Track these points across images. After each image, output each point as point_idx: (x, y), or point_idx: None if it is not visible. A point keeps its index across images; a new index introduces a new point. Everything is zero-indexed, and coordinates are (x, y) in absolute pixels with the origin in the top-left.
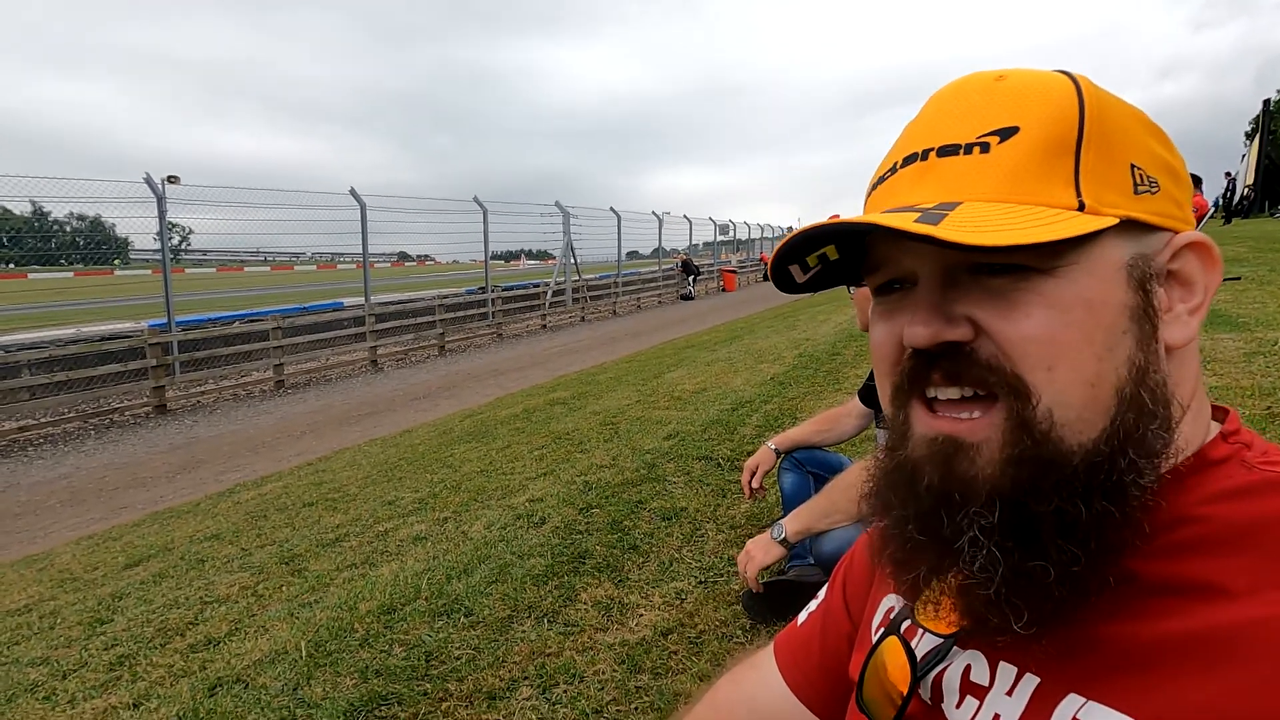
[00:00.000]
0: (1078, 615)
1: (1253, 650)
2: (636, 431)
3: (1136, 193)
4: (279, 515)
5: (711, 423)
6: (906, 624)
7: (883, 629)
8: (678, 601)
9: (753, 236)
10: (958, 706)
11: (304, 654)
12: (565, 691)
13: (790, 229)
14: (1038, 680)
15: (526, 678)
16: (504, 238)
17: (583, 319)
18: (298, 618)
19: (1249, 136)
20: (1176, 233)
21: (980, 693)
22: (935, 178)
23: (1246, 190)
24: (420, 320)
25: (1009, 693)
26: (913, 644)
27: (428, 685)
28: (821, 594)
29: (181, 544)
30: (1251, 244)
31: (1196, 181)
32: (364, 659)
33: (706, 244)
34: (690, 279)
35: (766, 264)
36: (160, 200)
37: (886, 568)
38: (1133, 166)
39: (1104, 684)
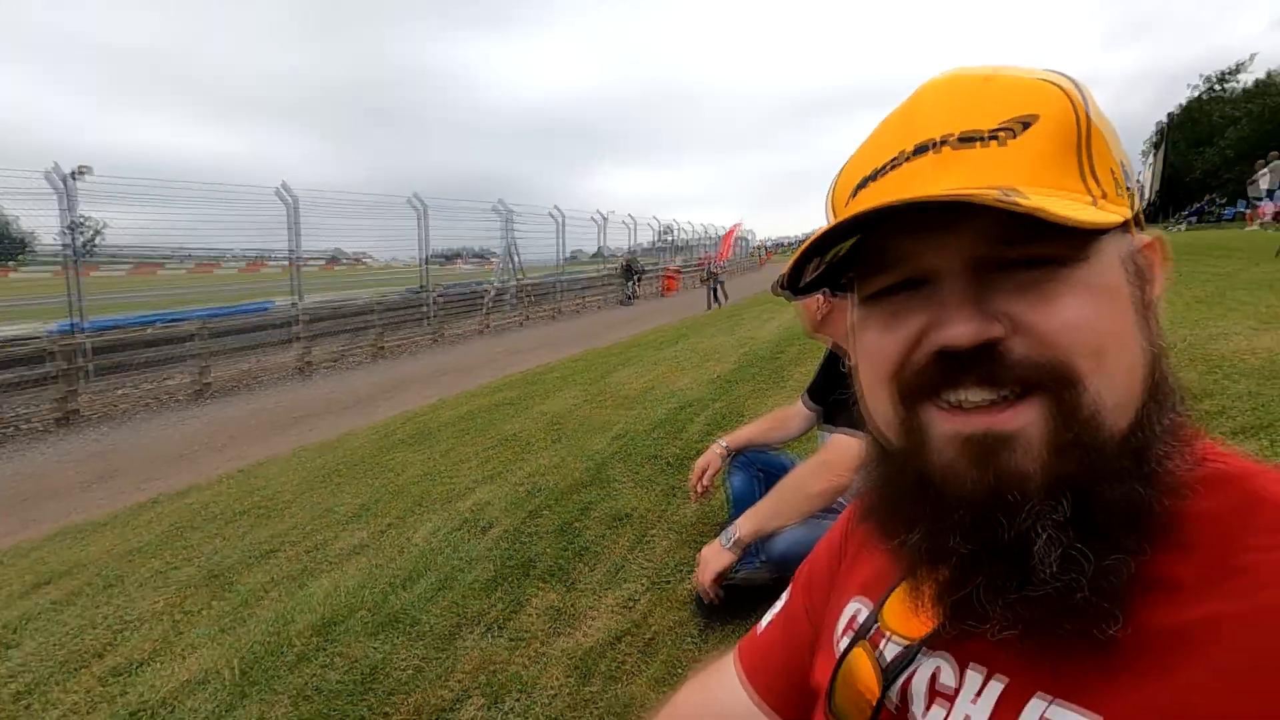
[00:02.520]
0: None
1: (1204, 649)
2: (583, 432)
3: (1119, 193)
4: (205, 527)
5: (659, 423)
6: (874, 628)
7: (849, 635)
8: (629, 606)
9: (694, 239)
10: (926, 712)
11: (235, 675)
12: (516, 703)
13: (727, 229)
14: (1005, 682)
15: (476, 689)
16: (443, 238)
17: (525, 320)
18: (226, 637)
19: (1143, 155)
20: (1137, 232)
21: (948, 697)
22: (961, 165)
23: (1149, 201)
24: (355, 322)
25: (976, 696)
26: (880, 648)
27: (370, 702)
28: (782, 598)
29: (96, 560)
30: None
31: None
32: (300, 679)
33: (649, 246)
34: (633, 280)
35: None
36: (66, 194)
37: (925, 590)
38: (1112, 170)
39: (1069, 683)
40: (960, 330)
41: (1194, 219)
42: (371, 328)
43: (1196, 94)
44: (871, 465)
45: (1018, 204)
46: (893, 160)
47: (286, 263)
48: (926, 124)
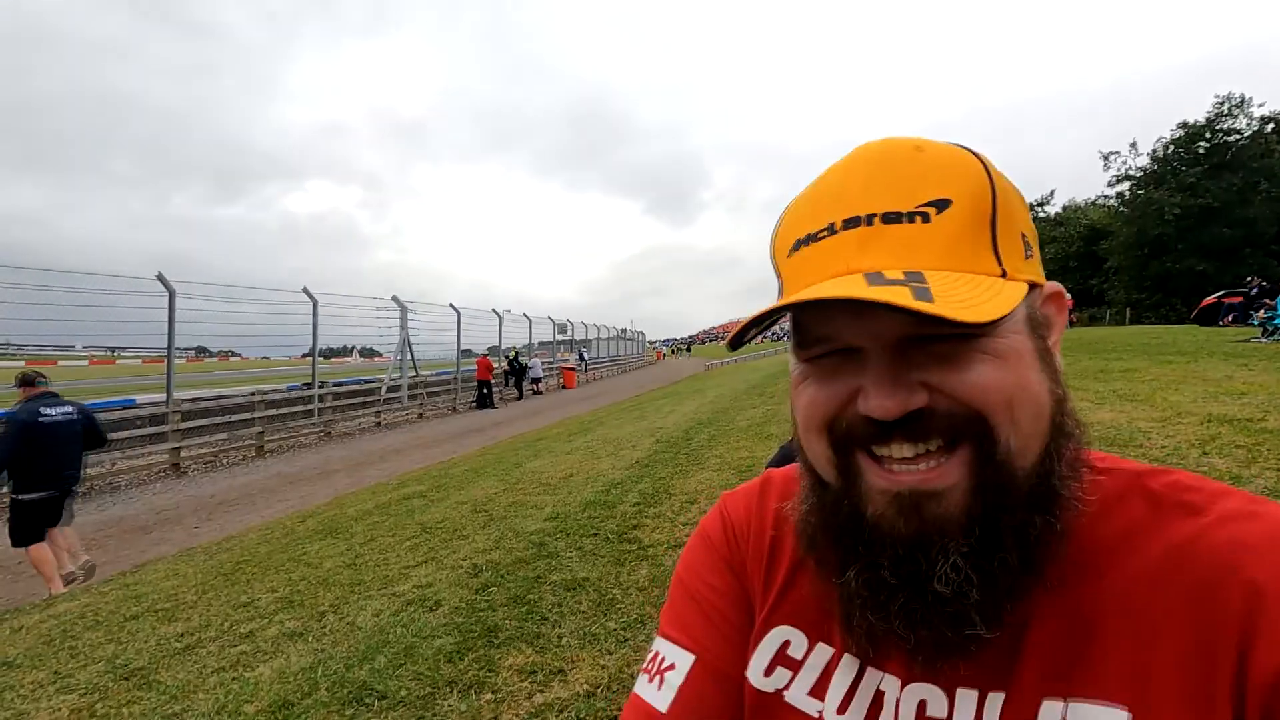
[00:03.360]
0: (1020, 621)
1: (1128, 616)
2: (514, 516)
3: (1026, 258)
4: (93, 633)
5: (589, 503)
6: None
7: (783, 667)
8: (604, 658)
9: (589, 336)
10: None
11: None
12: None
13: (624, 330)
14: (1003, 695)
15: None
16: (334, 333)
17: (420, 416)
18: None
19: None
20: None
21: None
22: (885, 244)
23: None
24: (235, 419)
25: (977, 716)
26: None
27: None
28: (669, 656)
29: None
30: None
31: None
32: None
33: (543, 343)
34: (524, 378)
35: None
36: None
37: (853, 618)
38: (1022, 235)
39: (1066, 681)
40: (886, 405)
41: None
42: (254, 424)
43: None
44: (807, 492)
45: (923, 310)
46: (826, 228)
47: (140, 359)
48: (855, 199)
